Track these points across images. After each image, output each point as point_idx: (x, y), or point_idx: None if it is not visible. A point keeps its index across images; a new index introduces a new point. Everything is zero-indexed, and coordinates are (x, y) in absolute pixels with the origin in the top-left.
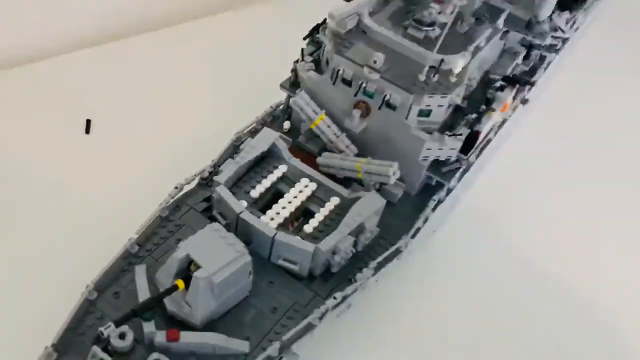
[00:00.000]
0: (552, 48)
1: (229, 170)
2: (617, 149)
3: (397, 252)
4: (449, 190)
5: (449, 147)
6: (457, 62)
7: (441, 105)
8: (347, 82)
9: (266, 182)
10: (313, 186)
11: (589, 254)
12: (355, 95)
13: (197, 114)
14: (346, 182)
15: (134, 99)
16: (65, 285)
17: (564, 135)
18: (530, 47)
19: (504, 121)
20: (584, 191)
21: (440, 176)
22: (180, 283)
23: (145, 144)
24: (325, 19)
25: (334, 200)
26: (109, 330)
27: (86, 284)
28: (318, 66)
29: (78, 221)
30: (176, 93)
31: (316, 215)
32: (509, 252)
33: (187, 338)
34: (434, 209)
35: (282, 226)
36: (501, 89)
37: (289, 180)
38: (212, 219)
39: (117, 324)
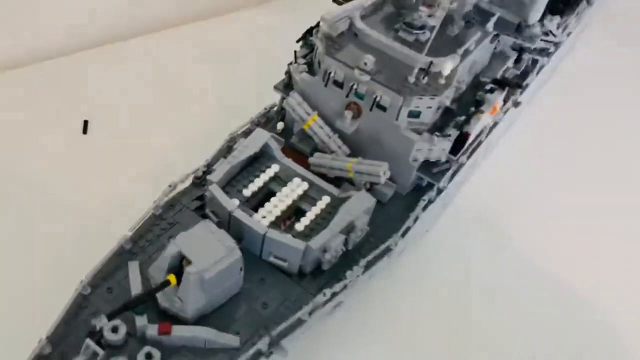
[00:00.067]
0: (543, 52)
1: (221, 169)
2: (615, 149)
3: (387, 250)
4: (440, 191)
5: (439, 147)
6: (446, 65)
7: (430, 107)
8: (339, 84)
9: (258, 182)
10: (305, 186)
11: (586, 253)
12: (347, 96)
13: (192, 115)
14: (337, 181)
15: (130, 101)
16: (60, 280)
17: (560, 135)
18: (521, 50)
19: (495, 123)
20: (580, 191)
21: (431, 177)
22: (172, 278)
23: (141, 144)
24: (318, 22)
25: (325, 200)
26: (102, 323)
27: (80, 279)
28: (311, 68)
29: (74, 218)
30: (172, 95)
31: (307, 214)
32: (503, 252)
33: (179, 332)
34: (424, 209)
35: (274, 224)
36: (491, 91)
37: (280, 179)
38: (205, 218)
39: (110, 317)
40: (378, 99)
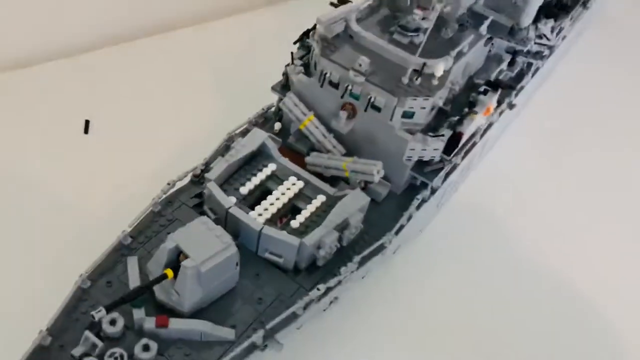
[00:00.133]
0: (537, 55)
1: (219, 167)
2: (611, 151)
3: (381, 247)
4: (433, 190)
5: (432, 147)
6: (439, 66)
7: (424, 107)
8: (334, 85)
9: (255, 180)
10: (301, 184)
11: (584, 252)
12: (342, 97)
13: (191, 115)
14: (333, 181)
15: (131, 101)
16: (61, 275)
17: (557, 137)
18: (514, 53)
19: (490, 125)
20: (577, 191)
21: (424, 176)
22: (169, 272)
23: (141, 143)
24: (315, 25)
25: (321, 198)
26: (100, 314)
27: (80, 273)
28: (308, 69)
29: (74, 216)
30: (172, 95)
31: (303, 211)
32: (500, 252)
33: (176, 324)
34: (417, 208)
35: (271, 222)
36: (484, 92)
37: (277, 178)
38: (203, 215)
39: (108, 309)
40: (372, 99)
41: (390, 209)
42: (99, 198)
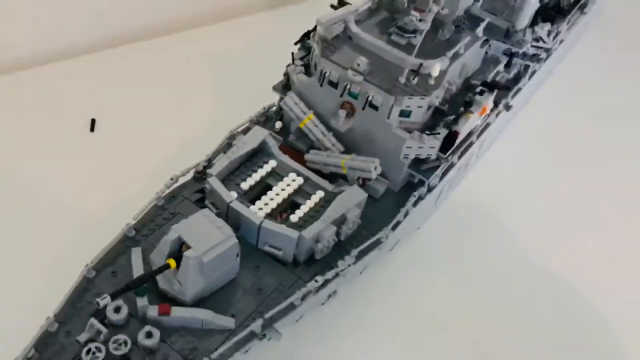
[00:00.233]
0: (534, 57)
1: (221, 163)
2: (608, 151)
3: (378, 242)
4: (430, 188)
5: (428, 145)
6: (435, 66)
7: (420, 106)
8: (333, 84)
9: (256, 176)
10: (300, 180)
11: (582, 251)
12: (341, 96)
13: (194, 114)
14: (332, 177)
15: (136, 101)
16: (67, 267)
17: (555, 137)
18: (511, 55)
19: (487, 125)
20: (574, 190)
21: (421, 173)
22: (172, 262)
23: (145, 141)
24: (315, 26)
25: (319, 194)
26: (105, 301)
27: (85, 263)
28: (308, 70)
29: (81, 208)
30: (176, 95)
31: (302, 206)
32: (497, 250)
33: (177, 313)
34: (414, 205)
35: (271, 216)
36: (480, 93)
37: (277, 174)
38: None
39: (113, 296)
40: (370, 98)
41: (388, 206)
42: (106, 193)
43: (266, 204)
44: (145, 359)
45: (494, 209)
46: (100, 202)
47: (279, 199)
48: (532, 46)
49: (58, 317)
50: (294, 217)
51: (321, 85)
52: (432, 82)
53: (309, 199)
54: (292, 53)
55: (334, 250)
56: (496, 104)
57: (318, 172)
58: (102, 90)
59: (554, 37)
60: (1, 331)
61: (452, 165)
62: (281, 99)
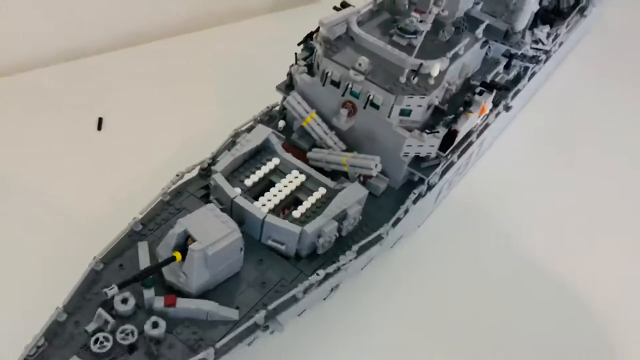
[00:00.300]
0: (534, 59)
1: (225, 160)
2: (606, 151)
3: (379, 238)
4: (430, 186)
5: (428, 143)
6: (435, 67)
7: (420, 106)
8: (335, 84)
9: (259, 173)
10: (302, 177)
11: (580, 249)
12: (343, 95)
13: (200, 113)
14: (334, 175)
15: (143, 100)
16: (78, 257)
17: (554, 138)
18: (510, 57)
19: (486, 125)
20: (573, 190)
21: (421, 171)
22: (178, 255)
23: (151, 140)
24: (318, 28)
25: (321, 191)
26: (113, 291)
27: (93, 256)
28: (311, 70)
29: (89, 204)
30: (182, 95)
31: (304, 202)
32: (497, 249)
33: (183, 304)
34: (414, 202)
35: (273, 212)
36: (479, 93)
37: (280, 172)
38: None
39: (120, 286)
40: (371, 97)
41: (388, 203)
42: (113, 189)
43: (269, 200)
44: (151, 348)
45: (494, 208)
46: (108, 197)
47: (281, 195)
48: (531, 48)
49: (67, 307)
50: (296, 213)
51: (323, 84)
52: (432, 82)
53: (311, 195)
54: (295, 53)
55: (336, 246)
56: (496, 104)
57: (320, 170)
58: (109, 90)
59: (553, 40)
60: (12, 322)
61: (451, 164)
62: (284, 98)
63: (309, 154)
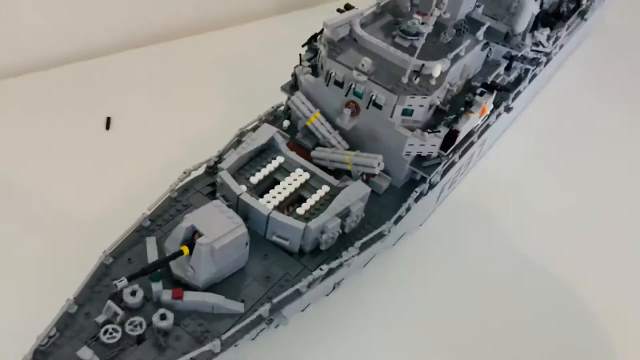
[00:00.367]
0: (534, 61)
1: (231, 158)
2: (606, 152)
3: (381, 235)
4: (432, 185)
5: (429, 143)
6: (437, 67)
7: (422, 105)
8: (339, 84)
9: (265, 171)
10: (306, 175)
11: (581, 251)
12: (346, 95)
13: (206, 113)
14: (337, 173)
15: (150, 100)
16: (88, 252)
17: (555, 139)
18: (511, 59)
19: (487, 126)
20: (574, 190)
21: (423, 170)
22: (185, 249)
23: (159, 139)
24: (322, 29)
25: (325, 188)
26: (122, 283)
27: (103, 250)
28: (315, 71)
29: (98, 201)
30: (188, 95)
31: (308, 200)
32: (497, 247)
33: (190, 297)
34: (416, 200)
35: (278, 209)
36: (480, 94)
37: (285, 170)
38: None
39: (130, 279)
40: (374, 97)
41: (391, 201)
42: (121, 186)
43: (274, 197)
44: (159, 340)
45: (495, 208)
46: (117, 194)
47: (286, 193)
48: (531, 50)
49: (78, 299)
50: (300, 210)
51: (327, 85)
52: (433, 82)
53: (315, 193)
54: (300, 55)
55: (339, 242)
56: (496, 105)
57: (324, 168)
58: (117, 91)
59: (554, 42)
60: (24, 313)
61: (453, 164)
62: (289, 98)
63: (313, 153)
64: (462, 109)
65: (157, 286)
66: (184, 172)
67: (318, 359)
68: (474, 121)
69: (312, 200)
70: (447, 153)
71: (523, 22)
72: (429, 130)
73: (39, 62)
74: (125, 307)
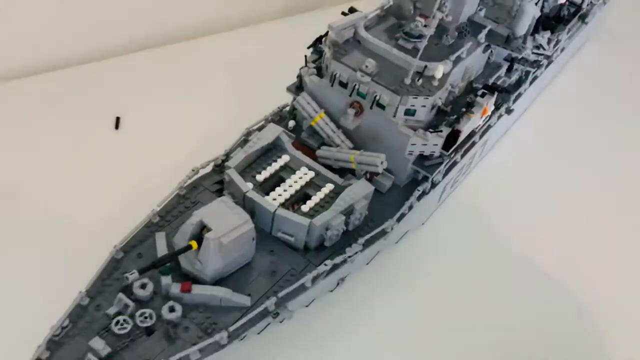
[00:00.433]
0: (535, 64)
1: (238, 157)
2: (606, 153)
3: (384, 232)
4: (434, 184)
5: (432, 142)
6: (439, 69)
7: (424, 106)
8: (343, 84)
9: (270, 169)
10: (311, 174)
11: (581, 253)
12: (350, 95)
13: (213, 113)
14: (341, 172)
15: (158, 101)
16: (99, 247)
17: (556, 140)
18: (512, 61)
19: (489, 127)
20: (574, 191)
21: (425, 169)
22: (194, 243)
23: (167, 139)
24: (327, 32)
25: (329, 186)
26: (133, 276)
27: (114, 244)
28: (320, 72)
29: (108, 198)
30: (196, 96)
31: (313, 197)
32: (498, 246)
33: (198, 290)
34: (418, 199)
35: (283, 207)
36: (482, 95)
37: (290, 168)
38: None
39: (140, 272)
40: (378, 97)
41: (394, 200)
42: (131, 184)
43: (280, 195)
44: (168, 331)
45: (497, 208)
46: (126, 192)
47: (291, 191)
48: (532, 53)
49: (89, 292)
50: (305, 207)
51: (332, 85)
52: (435, 83)
53: (320, 190)
54: (305, 56)
55: (343, 239)
56: (498, 107)
57: (328, 167)
58: (126, 92)
59: (554, 45)
60: (38, 304)
61: (455, 164)
62: (294, 99)
63: (318, 152)
64: (464, 109)
65: (166, 279)
66: (192, 170)
67: (323, 354)
68: (476, 122)
69: (316, 197)
70: (448, 153)
71: (524, 26)
72: (431, 130)
73: (50, 63)
74: (135, 300)
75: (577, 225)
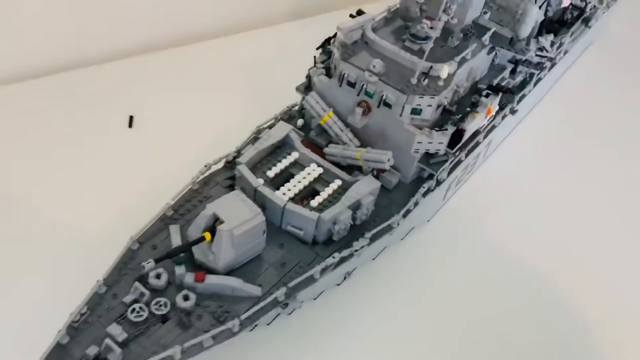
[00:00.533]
0: (538, 66)
1: (249, 153)
2: (607, 154)
3: (390, 227)
4: (439, 182)
5: (437, 141)
6: (444, 69)
7: (430, 105)
8: (351, 84)
9: (280, 165)
10: (320, 170)
11: (581, 254)
12: (358, 95)
13: (225, 112)
14: (349, 170)
15: (171, 100)
16: (115, 238)
17: (559, 141)
18: (516, 63)
19: (493, 127)
20: (576, 191)
21: (430, 167)
22: (207, 235)
23: (180, 136)
24: (336, 33)
25: (337, 182)
26: (150, 265)
27: (130, 235)
28: (328, 72)
29: (124, 193)
30: (208, 95)
31: (321, 193)
32: (499, 246)
33: (211, 280)
34: (424, 195)
35: (293, 201)
36: (486, 95)
37: (299, 165)
38: None
39: (157, 261)
40: (385, 97)
41: (400, 196)
42: (145, 180)
43: (289, 190)
44: (182, 319)
45: (500, 207)
46: (141, 188)
47: (300, 186)
48: (536, 55)
49: (107, 281)
50: (313, 202)
51: (340, 85)
52: (441, 83)
53: (328, 186)
54: (314, 57)
55: (350, 234)
56: (502, 107)
57: (336, 164)
58: (139, 91)
59: (558, 48)
60: (57, 292)
61: (459, 162)
62: (303, 98)
63: (326, 149)
64: (469, 109)
65: (180, 269)
66: (205, 166)
67: (329, 347)
68: (480, 121)
69: (325, 193)
70: (453, 151)
71: (527, 28)
72: (436, 129)
73: (67, 63)
74: (151, 289)
75: (579, 226)
